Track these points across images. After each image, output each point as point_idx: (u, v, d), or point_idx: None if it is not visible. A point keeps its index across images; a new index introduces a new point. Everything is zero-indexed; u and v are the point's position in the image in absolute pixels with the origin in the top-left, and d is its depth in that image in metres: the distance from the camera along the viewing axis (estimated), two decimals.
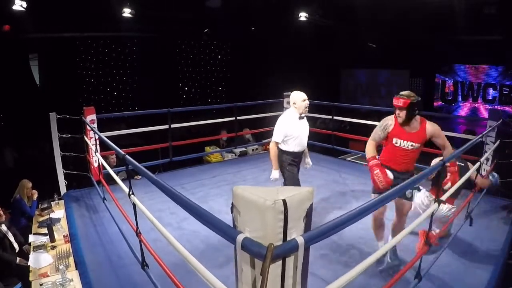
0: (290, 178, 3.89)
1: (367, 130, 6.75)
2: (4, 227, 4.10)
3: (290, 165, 3.88)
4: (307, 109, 3.85)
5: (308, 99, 3.84)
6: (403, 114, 3.01)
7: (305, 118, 3.93)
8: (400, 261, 3.24)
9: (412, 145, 3.06)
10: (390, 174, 3.00)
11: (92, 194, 5.10)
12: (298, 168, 4.01)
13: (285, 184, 4.01)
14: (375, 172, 3.01)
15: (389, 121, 3.15)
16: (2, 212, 4.10)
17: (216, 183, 5.63)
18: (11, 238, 4.16)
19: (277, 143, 3.86)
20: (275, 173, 3.93)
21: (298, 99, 3.81)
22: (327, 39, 11.60)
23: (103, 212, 4.50)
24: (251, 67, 13.23)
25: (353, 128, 6.91)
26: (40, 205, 4.66)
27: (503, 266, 3.28)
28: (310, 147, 7.69)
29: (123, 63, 12.16)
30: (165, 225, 2.69)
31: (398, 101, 3.01)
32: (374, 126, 6.45)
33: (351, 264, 3.28)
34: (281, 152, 3.89)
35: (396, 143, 3.10)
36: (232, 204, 1.70)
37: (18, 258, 3.94)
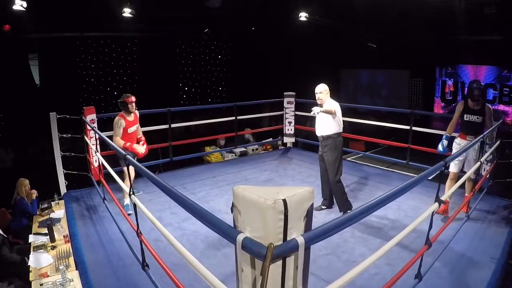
0: None
1: (367, 130, 6.81)
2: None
3: None
4: (319, 101, 4.36)
5: (318, 93, 4.37)
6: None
7: (320, 108, 4.24)
8: None
9: (136, 127, 4.70)
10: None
11: (92, 194, 5.10)
12: (321, 157, 4.52)
13: None
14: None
15: (120, 120, 4.48)
16: None
17: (216, 183, 5.63)
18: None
19: None
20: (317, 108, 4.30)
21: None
22: (327, 39, 11.58)
23: (103, 212, 4.50)
24: (251, 67, 13.22)
25: (353, 128, 6.90)
26: (40, 205, 4.66)
27: (504, 266, 3.28)
28: (310, 147, 7.75)
29: (123, 63, 12.14)
30: (165, 225, 2.70)
31: (132, 98, 4.59)
32: (375, 126, 6.48)
33: (351, 264, 3.29)
34: None
35: (129, 131, 4.57)
36: (232, 204, 1.70)
37: (19, 257, 3.91)
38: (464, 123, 4.27)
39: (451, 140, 4.40)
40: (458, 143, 4.30)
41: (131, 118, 4.62)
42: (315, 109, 4.14)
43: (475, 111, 4.16)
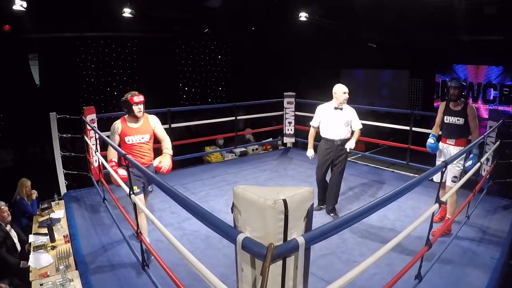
0: (318, 165, 4.47)
1: (367, 130, 6.80)
2: (8, 227, 4.11)
3: (322, 151, 4.36)
4: (345, 101, 4.23)
5: (346, 93, 4.22)
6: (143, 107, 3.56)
7: (344, 110, 4.26)
8: None
9: (142, 138, 3.55)
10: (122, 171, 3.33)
11: (92, 194, 5.10)
12: (328, 161, 4.36)
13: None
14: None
15: (116, 124, 3.56)
16: (7, 213, 4.10)
17: (216, 183, 5.63)
18: (15, 239, 4.16)
19: (313, 127, 4.47)
20: (310, 151, 4.55)
21: (339, 91, 4.23)
22: (327, 39, 11.59)
23: (103, 212, 4.50)
24: (251, 67, 13.23)
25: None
26: (40, 205, 4.66)
27: (504, 266, 3.28)
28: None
29: (123, 63, 12.15)
30: (165, 225, 2.70)
31: (139, 98, 3.55)
32: (374, 126, 6.47)
33: (351, 264, 3.29)
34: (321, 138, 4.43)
35: (129, 141, 3.51)
36: (232, 204, 1.70)
37: (21, 262, 3.91)
38: (444, 126, 3.91)
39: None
40: (440, 148, 3.98)
41: (135, 124, 3.56)
42: (349, 146, 4.18)
43: (455, 112, 3.78)
